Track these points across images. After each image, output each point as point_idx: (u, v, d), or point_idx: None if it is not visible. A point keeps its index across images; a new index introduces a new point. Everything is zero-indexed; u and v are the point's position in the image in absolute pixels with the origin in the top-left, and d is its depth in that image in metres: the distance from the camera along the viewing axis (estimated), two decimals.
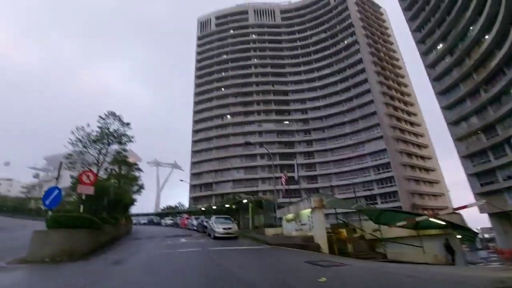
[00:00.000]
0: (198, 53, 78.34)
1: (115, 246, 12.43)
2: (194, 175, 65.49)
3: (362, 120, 57.94)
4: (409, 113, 61.53)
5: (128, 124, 16.38)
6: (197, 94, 73.70)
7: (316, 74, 67.99)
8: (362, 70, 60.42)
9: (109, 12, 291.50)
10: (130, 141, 16.90)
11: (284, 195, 55.92)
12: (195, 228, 23.07)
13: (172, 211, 58.83)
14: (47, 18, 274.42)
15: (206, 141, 67.49)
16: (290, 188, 52.93)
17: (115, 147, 17.52)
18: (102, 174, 17.12)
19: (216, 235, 14.78)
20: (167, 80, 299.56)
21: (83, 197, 11.50)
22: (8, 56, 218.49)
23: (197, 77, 75.55)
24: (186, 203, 65.96)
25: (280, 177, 21.30)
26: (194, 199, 63.11)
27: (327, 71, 66.82)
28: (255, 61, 71.89)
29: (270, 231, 17.23)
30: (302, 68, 70.10)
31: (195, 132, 69.74)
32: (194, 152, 67.73)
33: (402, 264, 9.40)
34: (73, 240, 9.53)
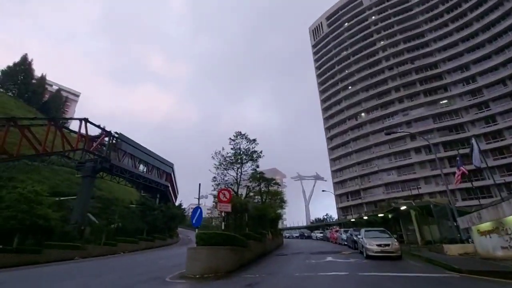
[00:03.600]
0: (316, 60, 77.26)
1: (259, 263, 12.18)
2: (337, 184, 61.98)
3: None
4: None
5: (254, 140, 16.95)
6: (323, 100, 71.72)
7: (476, 26, 49.48)
8: None
9: (236, 59, 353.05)
10: (259, 156, 17.32)
11: (465, 196, 41.54)
12: (345, 243, 20.23)
13: (321, 224, 57.34)
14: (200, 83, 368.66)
15: (343, 146, 63.07)
16: (472, 186, 38.74)
17: (248, 165, 18.49)
18: (243, 192, 18.34)
19: (369, 253, 11.61)
20: (294, 99, 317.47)
21: (223, 215, 12.13)
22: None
23: (320, 83, 73.92)
24: (334, 214, 62.91)
25: (455, 172, 15.08)
26: (342, 210, 59.09)
27: (494, 15, 47.03)
28: (382, 43, 61.90)
29: (452, 249, 11.93)
30: (452, 26, 53.21)
31: (329, 139, 67.02)
32: (333, 160, 64.68)
33: None
34: (217, 257, 9.81)
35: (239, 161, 17.48)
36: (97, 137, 36.08)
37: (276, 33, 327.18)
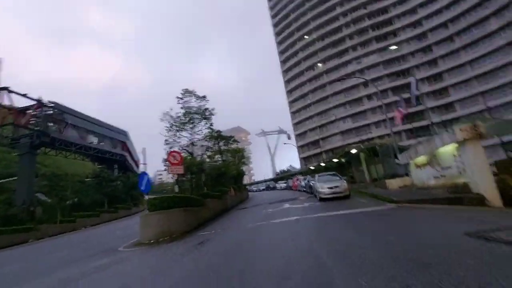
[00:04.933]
0: (271, 8, 72.72)
1: (218, 219, 12.26)
2: (299, 136, 64.33)
3: None
4: None
5: (204, 97, 15.80)
6: (281, 52, 69.73)
7: None
8: None
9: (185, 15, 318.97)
10: (211, 114, 16.42)
11: (409, 136, 46.24)
12: (304, 189, 21.51)
13: (286, 175, 60.56)
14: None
15: (302, 99, 63.96)
16: (415, 127, 42.93)
17: (203, 124, 17.55)
18: (199, 153, 17.70)
19: (322, 196, 12.32)
20: (254, 55, 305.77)
21: (176, 177, 11.57)
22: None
23: (276, 34, 71.01)
24: (298, 165, 66.57)
25: (396, 110, 15.95)
26: (304, 160, 62.48)
27: None
28: None
29: (393, 183, 13.18)
30: None
31: (289, 92, 67.21)
32: (293, 113, 65.92)
33: None
34: (170, 220, 9.50)
35: (191, 120, 16.43)
36: (27, 108, 31.16)
37: None
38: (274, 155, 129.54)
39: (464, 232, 4.36)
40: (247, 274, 3.81)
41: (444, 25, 47.05)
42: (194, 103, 15.94)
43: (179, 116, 15.66)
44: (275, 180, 62.57)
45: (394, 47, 51.90)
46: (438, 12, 47.75)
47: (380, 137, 47.56)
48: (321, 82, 59.57)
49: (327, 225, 6.86)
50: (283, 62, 69.02)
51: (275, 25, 71.17)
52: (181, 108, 15.87)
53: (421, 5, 50.03)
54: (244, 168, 36.14)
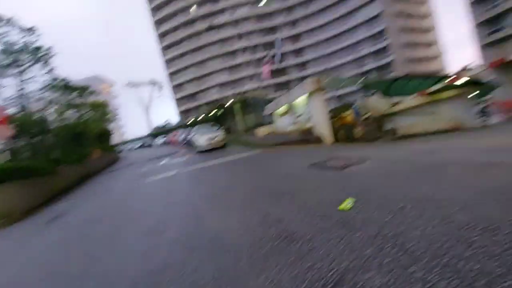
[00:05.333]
0: None
1: (78, 188, 10.29)
2: (175, 88, 60.39)
3: None
4: None
5: (31, 29, 11.38)
6: None
7: None
8: None
9: None
10: (48, 55, 12.31)
11: (276, 89, 52.92)
12: (184, 143, 21.14)
13: (163, 130, 57.28)
14: None
15: (176, 46, 58.59)
16: (280, 82, 49.39)
17: (40, 70, 13.04)
18: (37, 108, 13.41)
19: (200, 149, 12.52)
20: None
21: (1, 141, 8.42)
22: None
23: None
24: (177, 119, 63.86)
25: (263, 65, 17.45)
26: (183, 113, 60.48)
27: None
28: None
29: (262, 131, 15.07)
30: None
31: (161, 36, 59.65)
32: (168, 62, 60.09)
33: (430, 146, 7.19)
34: (4, 198, 7.09)
35: (16, 62, 11.70)
36: None
37: None
38: (148, 109, 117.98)
39: (307, 165, 5.56)
40: (115, 238, 3.41)
41: None
42: (16, 36, 11.19)
43: None
44: (152, 136, 58.22)
45: (264, 1, 54.36)
46: None
47: (254, 90, 51.91)
48: (196, 29, 55.94)
49: (202, 175, 7.08)
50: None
51: None
52: None
53: None
54: (111, 125, 30.97)
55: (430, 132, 11.95)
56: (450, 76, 11.17)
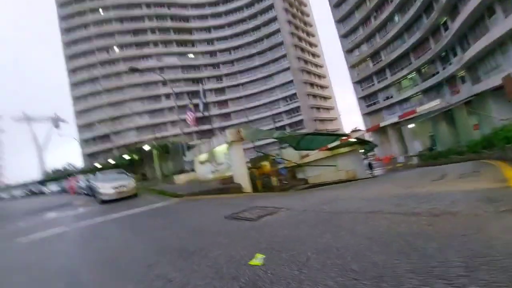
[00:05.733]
0: None
1: None
2: (83, 127, 53.11)
3: (270, 52, 56.54)
4: (311, 44, 63.53)
5: None
6: (63, 18, 54.40)
7: None
8: None
9: None
10: None
11: (199, 137, 52.94)
12: (84, 192, 17.77)
13: (62, 175, 47.70)
14: None
15: (90, 83, 53.56)
16: (203, 130, 49.91)
17: None
18: None
19: (104, 198, 10.67)
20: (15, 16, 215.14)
21: None
22: None
23: None
24: (81, 163, 54.68)
25: (186, 113, 17.54)
26: (89, 156, 52.57)
27: None
28: None
29: (181, 178, 14.27)
30: None
31: (72, 71, 53.93)
32: (77, 98, 53.59)
33: (337, 192, 8.20)
34: None
35: None
36: None
37: None
38: (44, 149, 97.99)
39: (224, 216, 5.35)
40: None
41: (228, 51, 58.96)
42: None
43: None
44: (44, 182, 47.35)
45: (191, 55, 57.44)
46: (225, 38, 59.01)
47: (175, 135, 50.38)
48: (116, 69, 53.17)
49: (100, 231, 5.88)
50: (66, 31, 54.24)
51: None
52: None
53: (214, 28, 59.42)
54: None
55: (333, 182, 13.73)
56: (344, 135, 13.53)
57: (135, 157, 22.07)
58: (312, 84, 57.28)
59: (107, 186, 10.83)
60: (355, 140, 15.18)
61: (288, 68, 53.54)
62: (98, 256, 4.05)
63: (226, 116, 57.30)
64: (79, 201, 14.16)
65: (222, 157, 11.30)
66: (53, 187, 32.86)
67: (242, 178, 10.09)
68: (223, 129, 53.76)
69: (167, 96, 53.84)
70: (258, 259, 2.80)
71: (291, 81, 53.08)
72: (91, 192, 15.17)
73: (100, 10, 53.78)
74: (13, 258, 4.88)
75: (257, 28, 57.00)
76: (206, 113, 19.57)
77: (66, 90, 54.40)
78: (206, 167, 13.17)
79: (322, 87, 61.00)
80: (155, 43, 55.20)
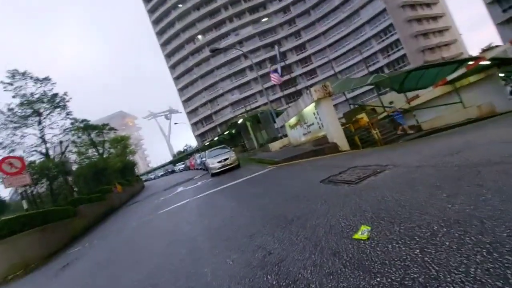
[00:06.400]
0: None
1: (98, 226, 10.32)
2: (190, 113, 62.17)
3: None
4: None
5: (46, 79, 12.07)
6: (155, 22, 62.55)
7: None
8: None
9: None
10: (64, 100, 12.94)
11: (287, 101, 52.67)
12: (200, 167, 21.17)
13: (183, 155, 58.52)
14: None
15: (187, 74, 60.94)
16: (290, 93, 49.13)
17: (58, 115, 13.73)
18: (59, 151, 13.98)
19: (213, 172, 12.32)
20: (125, 28, 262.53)
21: (19, 190, 8.68)
22: None
23: (146, 0, 62.52)
24: (195, 143, 65.24)
25: (270, 76, 17.43)
26: (200, 137, 61.69)
27: None
28: None
29: (275, 146, 14.61)
30: None
31: (172, 68, 62.50)
32: (181, 90, 62.41)
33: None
34: (19, 249, 7.14)
35: (36, 112, 12.40)
36: None
37: None
38: (169, 136, 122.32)
39: (319, 180, 5.00)
40: None
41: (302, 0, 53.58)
42: (31, 88, 11.92)
43: (12, 109, 11.47)
44: (174, 162, 59.66)
45: (265, 19, 55.60)
46: None
47: (265, 104, 52.02)
48: (204, 55, 58.03)
49: (212, 201, 6.72)
50: (159, 33, 62.50)
51: None
52: (14, 97, 11.60)
53: None
54: (136, 156, 32.06)
55: (458, 124, 10.89)
56: (472, 59, 10.20)
57: (233, 131, 24.17)
58: (413, 5, 45.41)
59: (214, 161, 12.37)
60: (490, 62, 11.25)
61: None
62: (210, 225, 4.56)
63: (312, 73, 54.01)
64: (197, 175, 16.91)
65: (312, 117, 10.66)
66: (180, 166, 41.00)
67: (337, 135, 9.28)
68: (309, 87, 51.44)
69: (251, 68, 55.16)
70: (363, 232, 2.36)
71: (384, 10, 43.67)
72: (204, 167, 17.87)
73: (179, 5, 58.55)
74: (156, 225, 6.23)
75: None
76: (285, 76, 18.94)
77: (172, 84, 63.88)
78: (297, 131, 12.89)
79: (428, 4, 47.53)
80: (230, 19, 56.22)
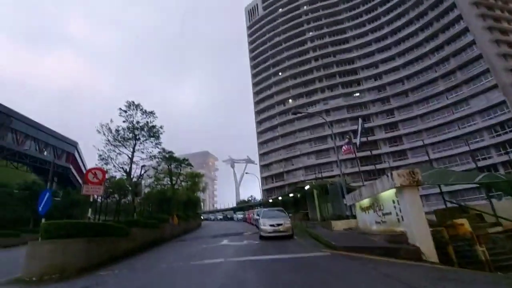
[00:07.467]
0: (250, 43, 76.21)
1: (139, 254, 10.43)
2: (263, 167, 63.96)
3: (460, 71, 44.28)
4: None
5: (152, 112, 14.57)
6: (255, 84, 71.80)
7: (387, 30, 56.09)
8: (452, 6, 46.10)
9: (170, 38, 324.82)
10: (159, 132, 15.11)
11: (366, 178, 48.07)
12: (255, 223, 20.25)
13: (245, 205, 58.70)
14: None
15: (271, 131, 64.99)
16: (370, 169, 44.90)
17: (150, 143, 16.06)
18: (139, 173, 15.89)
19: (263, 234, 11.24)
20: (229, 82, 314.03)
21: (91, 199, 9.81)
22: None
23: (253, 67, 73.56)
24: (260, 196, 65.27)
25: (344, 145, 16.40)
26: (267, 191, 61.52)
27: (400, 21, 54.14)
28: (310, 34, 64.62)
29: (339, 224, 12.64)
30: (368, 27, 59.05)
31: (259, 123, 68.03)
32: (261, 144, 66.14)
33: None
34: (65, 252, 7.61)
35: (136, 137, 14.88)
36: None
37: (213, 11, 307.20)
38: (239, 184, 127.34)
39: None
40: None
41: (400, 81, 52.36)
42: (138, 117, 14.58)
43: (118, 130, 14.08)
44: (235, 210, 60.26)
45: (357, 94, 56.13)
46: (395, 69, 53.32)
47: (338, 175, 48.80)
48: (290, 117, 61.35)
49: (243, 273, 5.75)
50: (256, 93, 70.81)
51: (253, 58, 74.10)
52: (124, 121, 14.39)
53: (381, 62, 55.67)
54: (205, 194, 34.04)
55: None
56: None
57: (298, 195, 22.84)
58: None
59: (266, 223, 11.42)
60: None
61: (494, 86, 38.84)
62: None
63: (401, 154, 48.88)
64: (249, 231, 16.00)
65: (390, 205, 8.83)
66: (239, 215, 40.81)
67: (421, 238, 7.17)
68: (396, 168, 45.98)
69: (333, 136, 54.46)
70: None
71: (502, 102, 37.61)
72: (257, 225, 16.90)
73: (280, 73, 66.41)
74: (182, 276, 5.63)
75: (439, 48, 47.26)
76: (364, 152, 17.60)
77: (254, 137, 68.73)
78: (368, 216, 10.88)
79: None
80: (322, 90, 59.30)
